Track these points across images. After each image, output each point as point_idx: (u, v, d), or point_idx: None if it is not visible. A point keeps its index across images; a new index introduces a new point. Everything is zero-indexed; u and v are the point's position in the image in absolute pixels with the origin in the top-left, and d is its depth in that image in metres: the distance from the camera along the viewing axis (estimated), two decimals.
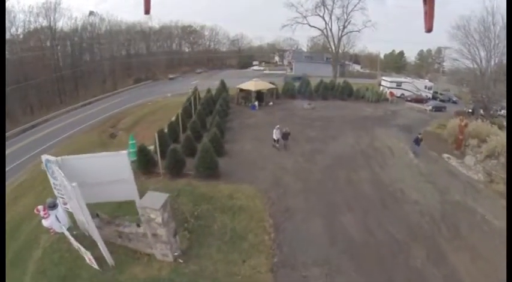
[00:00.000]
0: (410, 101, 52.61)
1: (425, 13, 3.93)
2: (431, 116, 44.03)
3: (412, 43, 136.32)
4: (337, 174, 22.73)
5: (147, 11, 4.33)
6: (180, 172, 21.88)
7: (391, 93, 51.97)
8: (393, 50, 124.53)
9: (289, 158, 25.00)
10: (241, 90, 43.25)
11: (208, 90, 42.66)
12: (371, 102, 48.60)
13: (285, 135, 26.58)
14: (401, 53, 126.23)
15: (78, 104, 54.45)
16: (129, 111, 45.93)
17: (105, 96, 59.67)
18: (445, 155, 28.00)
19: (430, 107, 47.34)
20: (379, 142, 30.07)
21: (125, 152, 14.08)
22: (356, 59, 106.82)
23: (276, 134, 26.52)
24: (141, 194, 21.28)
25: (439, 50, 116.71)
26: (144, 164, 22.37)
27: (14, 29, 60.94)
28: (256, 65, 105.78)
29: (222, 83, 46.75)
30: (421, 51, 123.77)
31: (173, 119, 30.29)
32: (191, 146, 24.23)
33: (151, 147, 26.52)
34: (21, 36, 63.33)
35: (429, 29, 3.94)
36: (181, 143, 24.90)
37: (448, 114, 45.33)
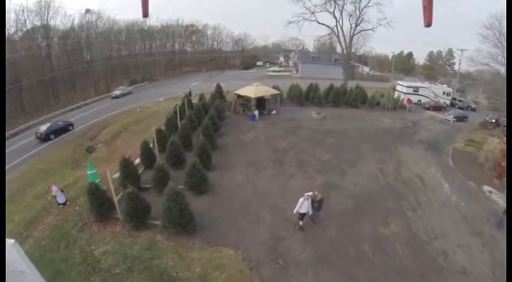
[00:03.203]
0: (428, 108, 45.38)
1: (424, 8, 3.68)
2: (454, 127, 37.00)
3: (421, 43, 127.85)
4: (359, 227, 15.83)
5: (145, 15, 3.95)
6: (144, 221, 15.20)
7: (409, 100, 44.70)
8: (402, 51, 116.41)
9: (295, 199, 17.86)
10: (239, 96, 36.03)
11: (201, 97, 35.60)
12: (387, 110, 41.45)
13: (317, 204, 15.62)
14: (410, 54, 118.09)
15: (67, 108, 47.78)
16: (114, 119, 38.93)
17: (95, 100, 52.76)
18: (486, 188, 21.36)
19: (452, 117, 40.02)
20: (407, 169, 23.26)
21: (11, 241, 8.02)
22: (364, 60, 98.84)
23: (304, 207, 14.79)
24: (83, 252, 14.95)
25: (450, 52, 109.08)
26: (96, 208, 15.64)
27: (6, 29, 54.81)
28: (272, 64, 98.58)
29: (218, 88, 39.72)
30: (431, 52, 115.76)
31: (153, 135, 23.48)
32: (165, 179, 17.34)
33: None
34: (15, 36, 57.14)
35: (428, 24, 3.68)
36: (152, 175, 18.03)
37: (472, 125, 39.04)
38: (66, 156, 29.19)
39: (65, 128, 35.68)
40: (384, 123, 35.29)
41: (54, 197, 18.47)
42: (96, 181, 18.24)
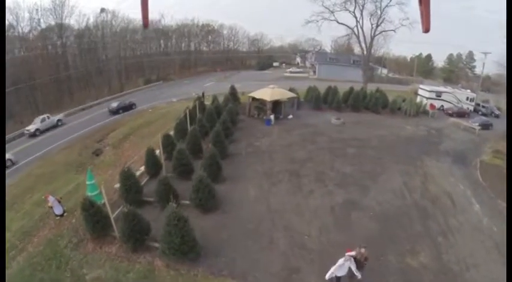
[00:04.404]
0: (451, 115, 42.40)
1: (421, 14, 3.44)
2: (479, 136, 34.11)
3: (438, 45, 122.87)
4: (385, 257, 13.70)
5: (145, 25, 3.61)
6: (143, 243, 13.34)
7: (432, 105, 41.92)
8: (420, 53, 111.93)
9: (312, 219, 15.87)
10: (254, 99, 33.86)
11: (214, 99, 33.67)
12: (409, 116, 38.73)
13: (361, 262, 11.95)
14: (429, 57, 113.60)
15: (78, 108, 46.56)
16: (123, 120, 37.37)
17: (107, 100, 51.13)
18: None
19: (477, 124, 37.05)
20: (434, 185, 20.92)
21: None
22: (383, 62, 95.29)
23: (343, 269, 11.47)
24: (74, 276, 13.16)
25: (471, 54, 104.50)
26: (91, 225, 13.90)
27: (20, 28, 54.43)
28: (288, 65, 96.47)
29: (232, 89, 37.69)
30: (451, 55, 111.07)
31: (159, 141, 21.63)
32: (168, 194, 15.51)
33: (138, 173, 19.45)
34: (30, 35, 56.63)
35: (426, 30, 3.43)
36: (155, 188, 16.11)
37: (496, 134, 35.74)
38: (71, 159, 27.67)
39: (130, 107, 43.06)
40: (406, 130, 32.72)
41: (51, 207, 16.96)
42: (95, 193, 16.59)
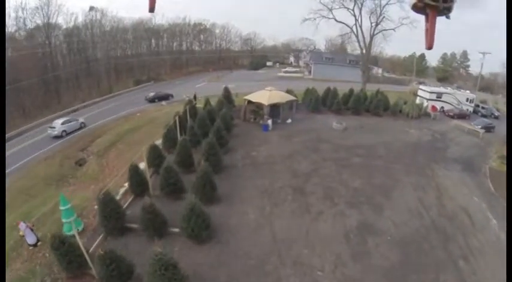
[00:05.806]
0: (453, 116, 40.56)
1: (426, 31, 3.51)
2: (483, 139, 32.42)
3: (437, 45, 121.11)
4: None
5: (151, 9, 3.90)
6: None
7: (433, 107, 40.02)
8: (414, 52, 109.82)
9: (325, 249, 13.48)
10: (250, 102, 31.24)
11: (206, 103, 31.08)
12: (411, 118, 36.59)
13: None
14: (422, 56, 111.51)
15: (64, 111, 43.66)
16: (110, 126, 34.16)
17: (95, 102, 48.33)
18: None
19: (480, 127, 35.19)
20: (449, 199, 19.05)
21: None
22: (378, 61, 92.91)
23: None
24: None
25: (465, 54, 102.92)
26: (64, 265, 11.47)
27: (7, 27, 51.13)
28: (282, 65, 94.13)
29: (226, 91, 35.29)
30: (445, 54, 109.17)
31: (144, 157, 18.98)
32: (155, 222, 13.09)
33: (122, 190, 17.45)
34: (16, 35, 53.60)
35: (429, 47, 3.56)
36: (140, 216, 13.51)
37: (501, 138, 33.72)
38: (52, 171, 25.00)
39: (166, 97, 46.30)
40: (411, 135, 30.66)
41: (23, 236, 14.46)
42: (71, 219, 13.96)
